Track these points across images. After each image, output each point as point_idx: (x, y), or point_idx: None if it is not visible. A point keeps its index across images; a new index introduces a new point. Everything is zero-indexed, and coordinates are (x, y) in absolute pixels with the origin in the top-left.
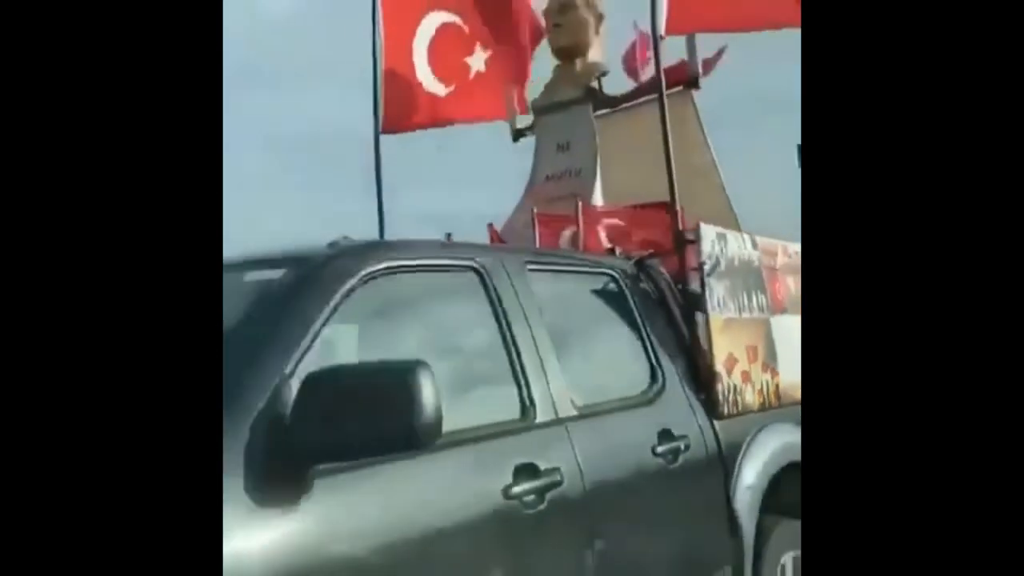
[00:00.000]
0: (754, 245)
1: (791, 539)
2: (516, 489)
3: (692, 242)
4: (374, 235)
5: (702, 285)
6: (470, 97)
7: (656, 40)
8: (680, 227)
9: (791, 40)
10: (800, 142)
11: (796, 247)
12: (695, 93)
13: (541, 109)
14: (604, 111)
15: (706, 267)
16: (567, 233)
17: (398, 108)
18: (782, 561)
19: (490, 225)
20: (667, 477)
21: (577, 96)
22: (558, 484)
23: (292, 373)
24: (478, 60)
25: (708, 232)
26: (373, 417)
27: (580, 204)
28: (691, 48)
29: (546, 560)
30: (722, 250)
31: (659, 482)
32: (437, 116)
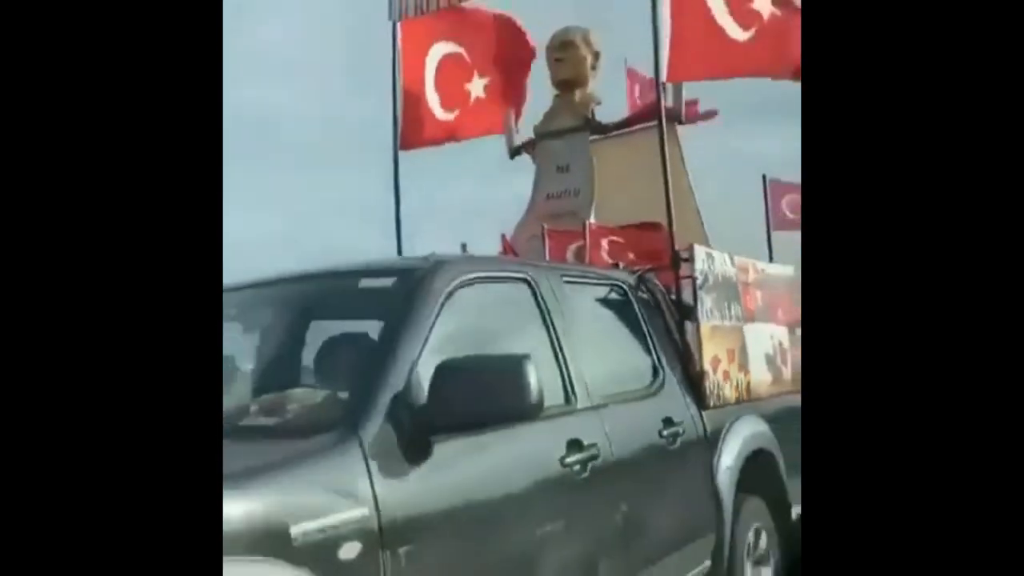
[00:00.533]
0: (732, 263)
1: (757, 513)
2: (568, 459)
3: (687, 260)
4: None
5: (694, 297)
6: (471, 119)
7: (658, 84)
8: (675, 247)
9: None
10: (765, 174)
11: (763, 264)
12: (677, 127)
13: (543, 134)
14: (597, 137)
15: (698, 282)
16: (573, 247)
17: (413, 128)
18: (750, 532)
19: (504, 236)
20: (669, 456)
21: (576, 124)
22: (596, 457)
23: (419, 361)
24: (477, 86)
25: (700, 252)
26: (492, 397)
27: (588, 223)
28: (677, 89)
29: (588, 516)
30: (710, 267)
31: (664, 460)
32: (444, 136)
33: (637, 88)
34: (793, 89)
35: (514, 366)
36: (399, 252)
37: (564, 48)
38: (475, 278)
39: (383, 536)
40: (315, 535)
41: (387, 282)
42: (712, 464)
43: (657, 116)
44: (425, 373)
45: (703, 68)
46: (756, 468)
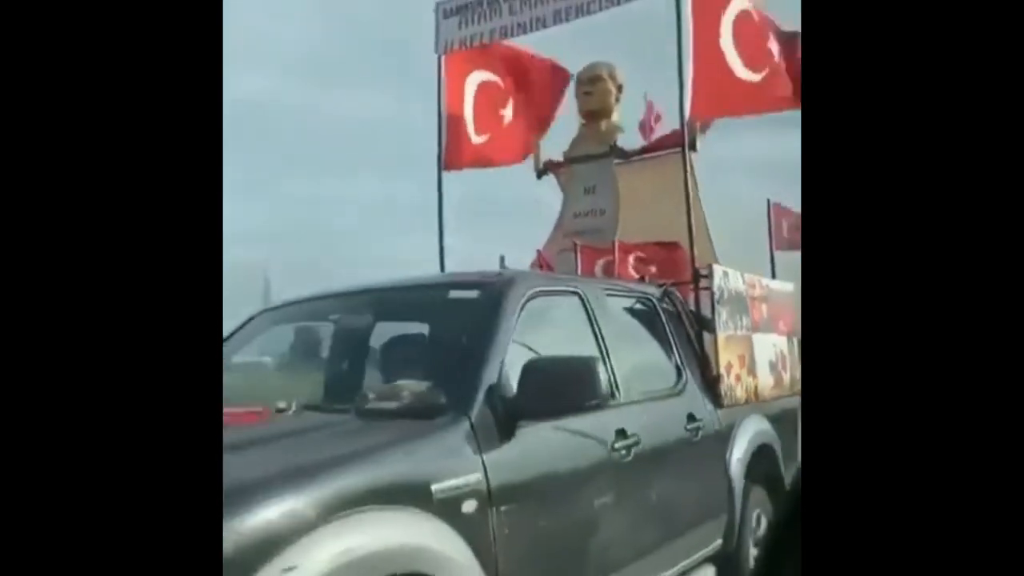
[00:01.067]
0: (743, 279)
1: (760, 501)
2: (616, 445)
3: (706, 277)
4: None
5: (712, 310)
6: (503, 143)
7: (683, 120)
8: (695, 265)
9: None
10: (769, 198)
11: (767, 281)
12: (692, 155)
13: (572, 159)
14: (619, 161)
15: (715, 296)
16: (601, 262)
17: (454, 151)
18: (754, 515)
19: (539, 251)
20: (692, 447)
21: (602, 151)
22: (637, 444)
23: (505, 359)
24: (509, 111)
25: (717, 270)
26: (568, 391)
27: (616, 241)
28: (691, 123)
29: (630, 492)
30: (725, 283)
31: (688, 450)
32: (479, 159)
33: (654, 118)
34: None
35: (587, 365)
36: (441, 264)
37: (592, 82)
38: (540, 291)
39: (491, 496)
40: (446, 492)
41: (472, 293)
42: (725, 456)
43: (682, 149)
44: (509, 369)
45: (720, 107)
46: (760, 460)
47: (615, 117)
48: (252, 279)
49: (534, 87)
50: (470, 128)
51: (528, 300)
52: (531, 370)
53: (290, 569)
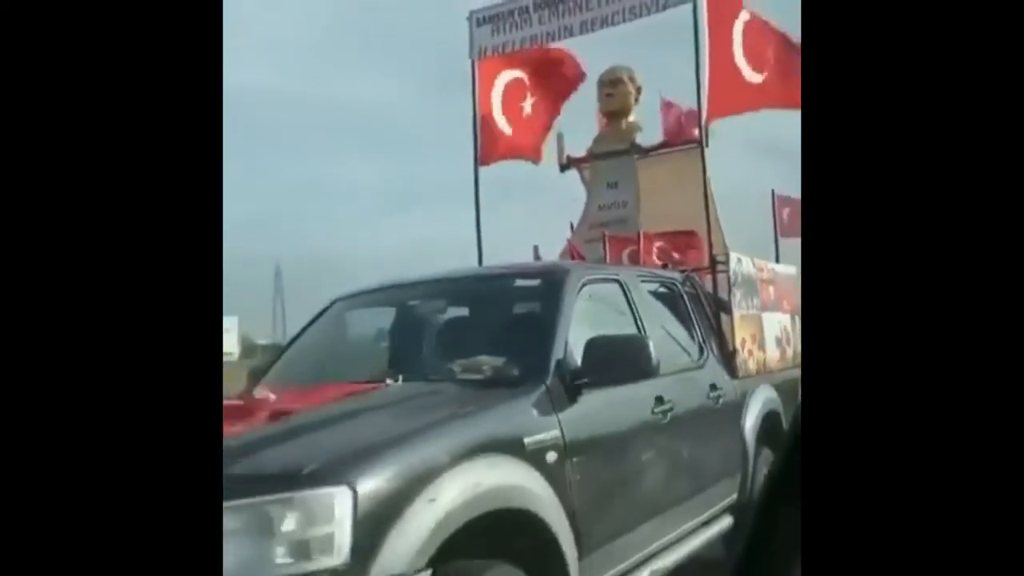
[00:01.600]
0: (753, 264)
1: (768, 459)
2: (656, 410)
3: (723, 263)
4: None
5: (728, 293)
6: (525, 135)
7: (701, 120)
8: (712, 253)
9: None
10: (773, 189)
11: (772, 265)
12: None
13: (596, 155)
14: (638, 157)
15: (731, 280)
16: (627, 251)
17: (488, 147)
18: (763, 472)
19: (570, 241)
20: (714, 413)
21: (624, 147)
22: (672, 409)
23: (568, 337)
24: (528, 104)
25: (733, 257)
26: (624, 363)
27: (641, 232)
28: (699, 115)
29: (667, 450)
30: (739, 268)
31: (711, 415)
32: (508, 152)
33: (670, 116)
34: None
35: (640, 342)
36: (479, 257)
37: (613, 84)
38: (590, 279)
39: (566, 449)
40: (535, 445)
41: (535, 282)
42: (740, 421)
43: (700, 146)
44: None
45: (732, 107)
46: (767, 425)
47: (633, 116)
48: (264, 269)
49: (551, 80)
50: (500, 124)
51: (582, 287)
52: (593, 346)
53: (433, 500)
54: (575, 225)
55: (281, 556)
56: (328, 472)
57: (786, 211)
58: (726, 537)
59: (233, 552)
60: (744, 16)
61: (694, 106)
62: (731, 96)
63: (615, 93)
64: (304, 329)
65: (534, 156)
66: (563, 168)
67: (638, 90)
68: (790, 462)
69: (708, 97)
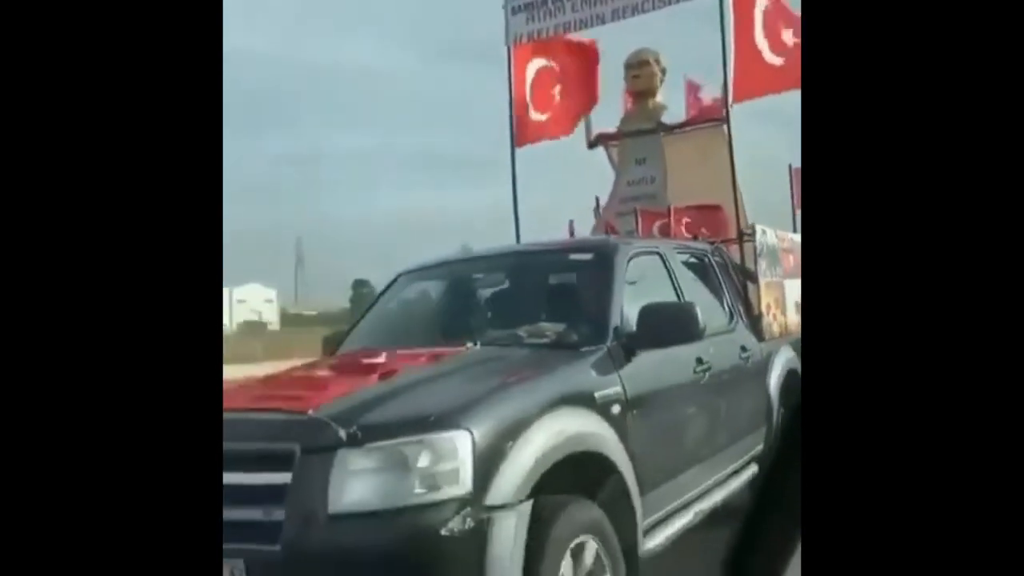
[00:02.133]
0: (776, 235)
1: (787, 414)
2: (697, 369)
3: (750, 235)
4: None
5: (755, 262)
6: (556, 119)
7: (726, 101)
8: (740, 225)
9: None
10: (791, 163)
11: (791, 235)
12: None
13: (624, 133)
14: (665, 135)
15: (757, 251)
16: (658, 224)
17: (522, 129)
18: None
19: (603, 216)
20: (743, 371)
21: (650, 126)
22: (709, 369)
23: (623, 304)
24: (557, 90)
25: (759, 229)
26: (675, 327)
27: (671, 206)
28: (725, 98)
29: (707, 407)
30: (764, 240)
31: (742, 374)
32: (540, 135)
33: (692, 95)
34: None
35: (690, 309)
36: (516, 232)
37: (640, 66)
38: (636, 252)
39: (627, 403)
40: (603, 399)
41: (588, 256)
42: (766, 380)
43: (727, 126)
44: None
45: (755, 89)
46: (789, 382)
47: (659, 96)
48: (285, 240)
49: (577, 67)
50: (531, 109)
51: (630, 260)
52: (647, 312)
53: (529, 443)
54: (605, 200)
55: (417, 487)
56: (450, 419)
57: (800, 185)
58: (752, 484)
59: (375, 486)
60: (764, 1)
61: (716, 87)
62: (754, 79)
63: (641, 75)
64: (374, 302)
65: (566, 134)
66: (591, 145)
67: (663, 72)
68: (794, 426)
69: (734, 79)
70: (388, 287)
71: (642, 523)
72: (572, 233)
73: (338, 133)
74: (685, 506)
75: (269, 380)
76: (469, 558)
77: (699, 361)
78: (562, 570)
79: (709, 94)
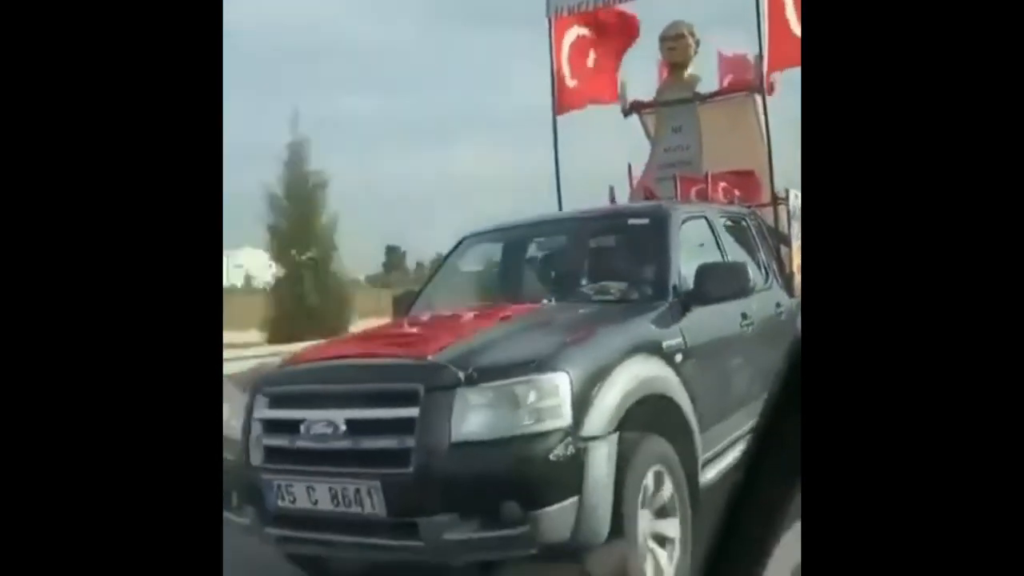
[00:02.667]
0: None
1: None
2: (742, 323)
3: (783, 199)
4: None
5: (788, 225)
6: (591, 86)
7: (761, 71)
8: (774, 191)
9: None
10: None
11: None
12: (756, 97)
13: (661, 102)
14: (700, 103)
15: (790, 214)
16: (695, 189)
17: (561, 97)
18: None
19: (644, 185)
20: (779, 326)
21: (686, 96)
22: (752, 324)
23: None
24: (591, 58)
25: (791, 193)
26: (729, 283)
27: (709, 173)
28: (758, 71)
29: (750, 356)
30: (797, 204)
31: (777, 328)
32: (577, 102)
33: (725, 67)
34: None
35: (743, 268)
36: (559, 203)
37: (676, 39)
38: (686, 216)
39: (687, 352)
40: (669, 348)
41: (644, 220)
42: (795, 332)
43: (762, 94)
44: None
45: (787, 61)
46: None
47: (693, 67)
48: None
49: (610, 35)
50: (568, 78)
51: (683, 223)
52: (703, 271)
53: (610, 385)
54: (637, 167)
55: (525, 420)
56: (551, 363)
57: None
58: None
59: (490, 419)
60: None
61: (747, 59)
62: (787, 51)
63: (677, 47)
64: (441, 264)
65: (602, 102)
66: (627, 113)
67: (697, 43)
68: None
69: (769, 51)
70: (453, 250)
71: (701, 457)
72: (613, 198)
73: (374, 95)
74: (732, 444)
75: (375, 333)
76: (571, 480)
77: (744, 316)
78: (641, 494)
79: (741, 65)
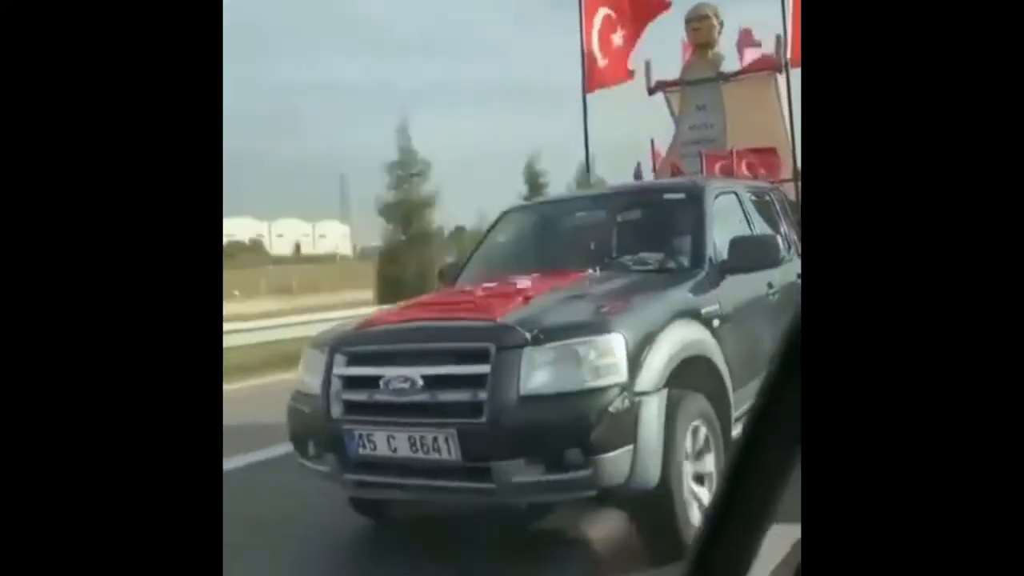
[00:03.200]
0: None
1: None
2: (769, 292)
3: None
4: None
5: None
6: (617, 65)
7: (784, 56)
8: (796, 166)
9: None
10: None
11: None
12: (778, 76)
13: (686, 81)
14: (723, 82)
15: None
16: (719, 165)
17: (591, 76)
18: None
19: (670, 161)
20: (798, 294)
21: (710, 75)
22: (776, 293)
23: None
24: (618, 37)
25: None
26: (761, 254)
27: (734, 150)
28: (779, 48)
29: (775, 323)
30: None
31: (796, 296)
32: (605, 80)
33: (746, 46)
34: None
35: (774, 240)
36: (588, 172)
37: (700, 20)
38: (718, 192)
39: (722, 318)
40: (707, 314)
41: (680, 195)
42: None
43: (786, 75)
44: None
45: None
46: None
47: (717, 47)
48: (331, 173)
49: (637, 14)
50: (598, 57)
51: (716, 197)
52: (736, 243)
53: (658, 347)
54: (659, 143)
55: (587, 376)
56: (608, 325)
57: None
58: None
59: (554, 375)
60: None
61: (766, 40)
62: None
63: (701, 27)
64: (484, 237)
65: (627, 80)
66: (651, 91)
67: (721, 24)
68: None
69: (793, 39)
70: (495, 224)
71: (734, 414)
72: (639, 174)
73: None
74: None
75: (437, 300)
76: (626, 430)
77: (769, 285)
78: (685, 445)
79: (762, 46)
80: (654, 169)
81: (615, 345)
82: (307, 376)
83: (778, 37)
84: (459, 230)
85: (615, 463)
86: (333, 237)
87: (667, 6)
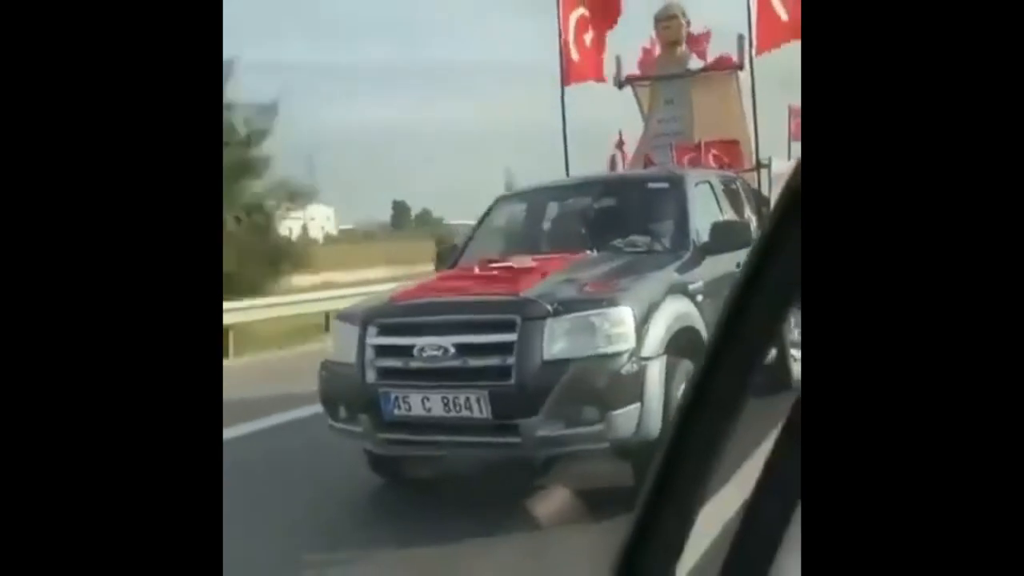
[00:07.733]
0: (786, 166)
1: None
2: (737, 270)
3: (766, 165)
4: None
5: (770, 189)
6: (588, 63)
7: (751, 54)
8: (758, 157)
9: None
10: (790, 104)
11: (792, 163)
12: (738, 74)
13: (656, 76)
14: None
15: (772, 179)
16: (687, 156)
17: (565, 72)
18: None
19: (646, 155)
20: None
21: (678, 71)
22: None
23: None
24: (588, 37)
25: (774, 159)
26: (737, 237)
27: (702, 142)
28: (740, 47)
29: None
30: (776, 169)
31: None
32: (580, 77)
33: (710, 46)
34: None
35: (746, 223)
36: (566, 165)
37: (668, 20)
38: (697, 182)
39: (705, 293)
40: (693, 289)
41: (664, 184)
42: None
43: (750, 73)
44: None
45: (771, 42)
46: None
47: (684, 46)
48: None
49: (602, 14)
50: (573, 53)
51: (697, 185)
52: (717, 227)
53: (658, 318)
54: (627, 136)
55: (600, 342)
56: (618, 298)
57: (795, 122)
58: None
59: (573, 342)
60: None
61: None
62: (772, 33)
63: (671, 26)
64: (480, 222)
65: (599, 78)
66: (620, 85)
67: (688, 24)
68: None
69: (757, 34)
70: (489, 210)
71: None
72: (613, 165)
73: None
74: None
75: (457, 276)
76: (634, 390)
77: (738, 264)
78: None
79: (722, 46)
80: (623, 159)
81: (625, 316)
82: (339, 346)
83: (740, 36)
84: (425, 212)
85: (625, 418)
86: (319, 219)
87: (619, 12)
